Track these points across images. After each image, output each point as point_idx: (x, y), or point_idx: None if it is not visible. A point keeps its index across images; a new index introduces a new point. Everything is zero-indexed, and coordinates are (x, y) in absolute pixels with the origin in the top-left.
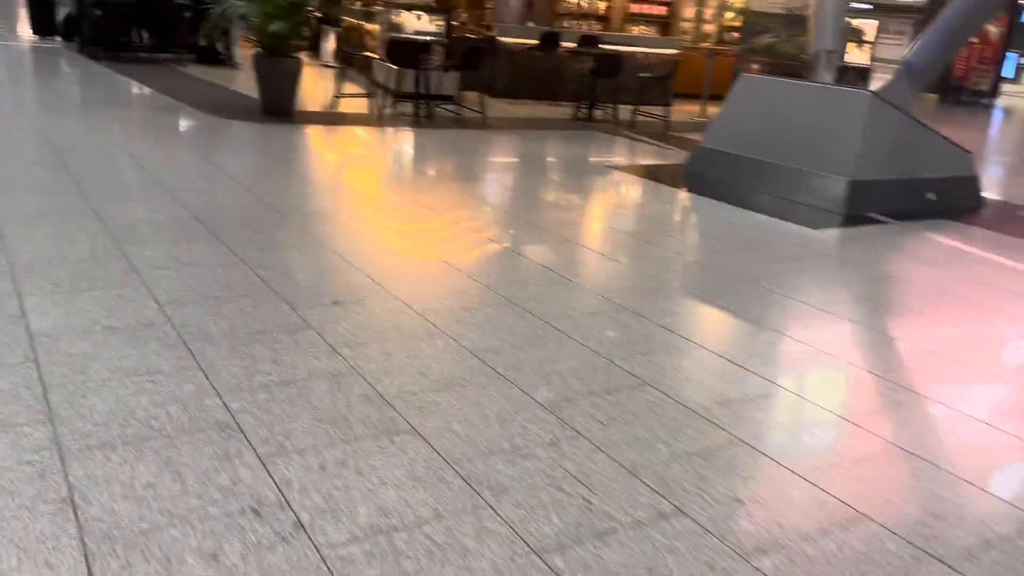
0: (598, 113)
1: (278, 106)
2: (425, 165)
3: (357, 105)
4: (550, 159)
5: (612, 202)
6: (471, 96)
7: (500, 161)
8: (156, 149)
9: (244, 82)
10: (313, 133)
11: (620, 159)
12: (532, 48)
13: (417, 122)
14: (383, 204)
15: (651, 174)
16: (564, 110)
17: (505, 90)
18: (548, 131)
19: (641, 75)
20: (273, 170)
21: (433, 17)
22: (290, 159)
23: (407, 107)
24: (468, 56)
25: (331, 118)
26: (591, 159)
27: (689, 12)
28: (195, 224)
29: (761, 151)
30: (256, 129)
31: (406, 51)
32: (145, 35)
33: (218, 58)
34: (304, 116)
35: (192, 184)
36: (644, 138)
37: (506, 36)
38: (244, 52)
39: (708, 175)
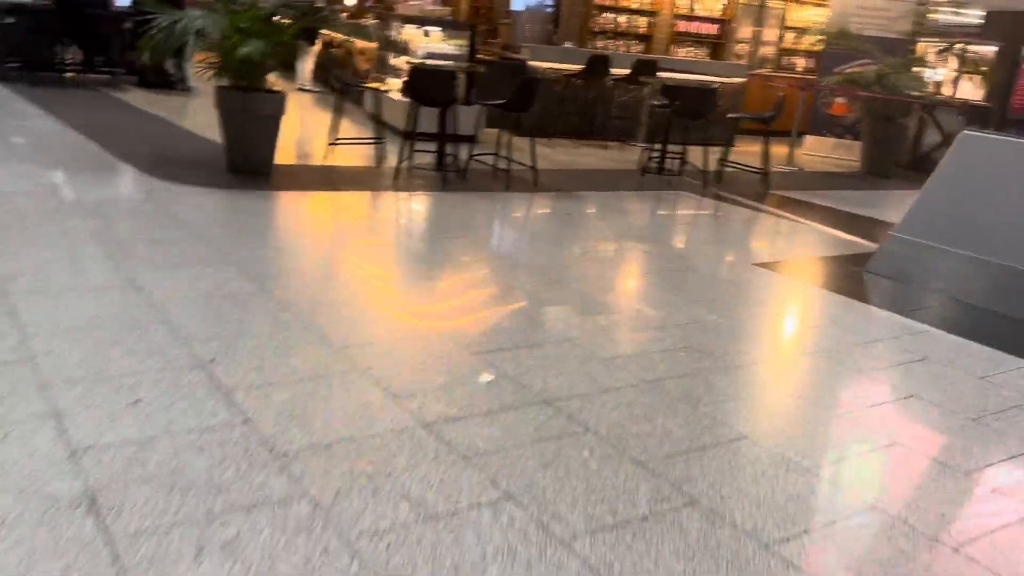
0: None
1: (249, 162)
2: (495, 279)
3: (357, 154)
4: (666, 253)
5: (828, 358)
6: (490, 135)
7: (607, 263)
8: (50, 263)
9: (200, 114)
10: (304, 209)
11: (758, 245)
12: (573, 75)
13: (445, 181)
14: (471, 395)
15: (831, 282)
16: (616, 155)
17: (536, 127)
18: (620, 192)
19: (732, 115)
20: (249, 311)
21: (451, 35)
22: (272, 275)
23: (424, 154)
24: (522, 91)
25: (325, 177)
26: (719, 249)
27: (745, 32)
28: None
29: (1014, 253)
30: (217, 203)
31: (433, 83)
32: (73, 51)
33: (166, 80)
34: (286, 175)
35: (95, 359)
36: (752, 203)
37: (539, 60)
38: (200, 71)
39: (919, 283)
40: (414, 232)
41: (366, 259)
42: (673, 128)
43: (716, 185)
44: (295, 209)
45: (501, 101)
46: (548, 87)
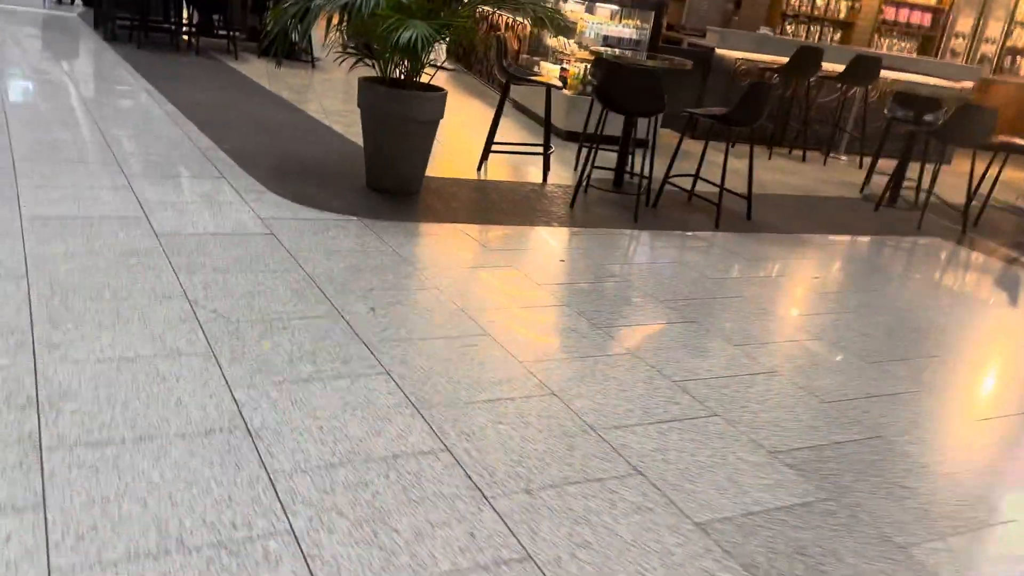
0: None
1: (395, 178)
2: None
3: (515, 166)
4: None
5: None
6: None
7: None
8: (112, 371)
9: (329, 97)
10: (470, 258)
11: None
12: (772, 69)
13: (637, 213)
14: None
15: None
16: (822, 172)
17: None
18: (856, 237)
19: (1005, 139)
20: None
21: (629, 15)
22: (444, 403)
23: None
24: (750, 100)
25: (485, 200)
26: None
27: (964, 24)
28: None
29: None
30: (356, 245)
31: (635, 86)
32: (189, 10)
33: (290, 50)
34: (436, 196)
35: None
36: None
37: (727, 47)
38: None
39: None
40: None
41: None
42: (912, 148)
43: (974, 228)
44: (457, 260)
45: (719, 111)
46: (732, 80)
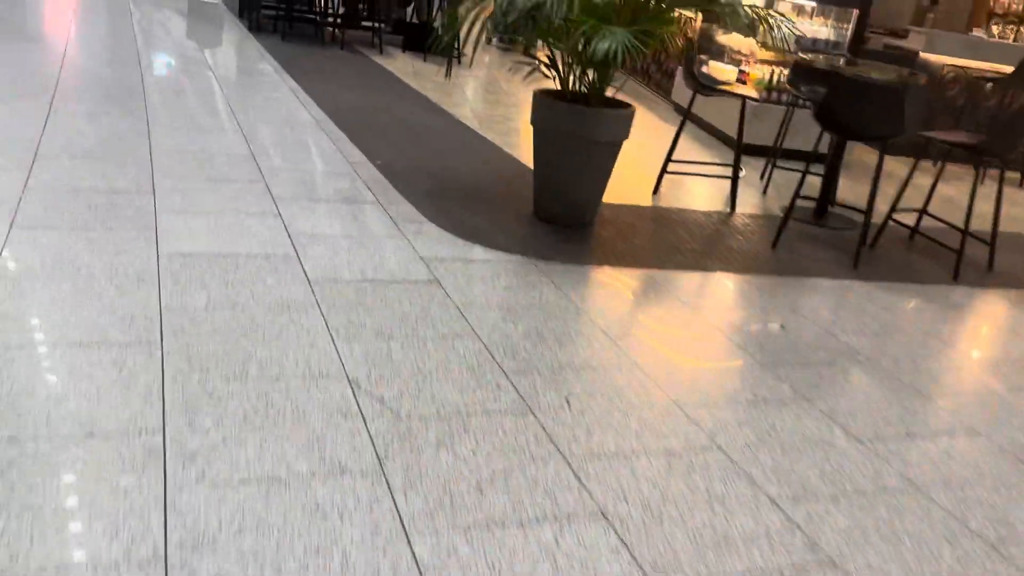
0: None
1: (568, 208)
2: None
3: (695, 189)
4: None
5: None
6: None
7: None
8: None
9: (480, 99)
10: (668, 311)
11: None
12: (990, 79)
13: (858, 257)
14: None
15: None
16: None
17: (899, 143)
18: None
19: None
20: None
21: (826, 13)
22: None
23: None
24: (1007, 123)
25: (668, 233)
26: None
27: None
28: None
29: None
30: (532, 295)
31: (869, 106)
32: (335, 1)
33: (434, 43)
34: (612, 227)
35: None
36: None
37: (934, 52)
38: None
39: None
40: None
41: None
42: None
43: None
44: (653, 322)
45: (970, 139)
46: (939, 90)
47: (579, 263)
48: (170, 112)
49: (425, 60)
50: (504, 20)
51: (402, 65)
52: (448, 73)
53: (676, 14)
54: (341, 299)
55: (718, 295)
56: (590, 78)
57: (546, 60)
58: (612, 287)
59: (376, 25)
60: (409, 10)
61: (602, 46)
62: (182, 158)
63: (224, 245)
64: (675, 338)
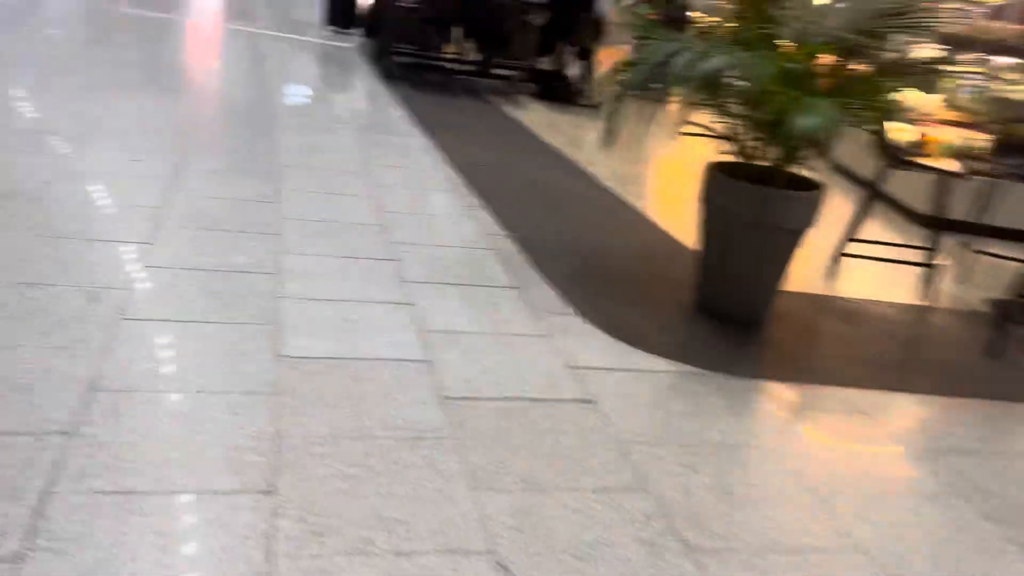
0: None
1: (737, 302)
2: None
3: (884, 275)
4: None
5: None
6: None
7: None
8: None
9: (616, 154)
10: (886, 462)
11: None
12: None
13: None
14: None
15: None
16: None
17: None
18: None
19: None
20: None
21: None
22: None
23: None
24: None
25: (855, 336)
26: None
27: None
28: None
29: None
30: (706, 426)
31: None
32: (469, 46)
33: (566, 90)
34: (787, 324)
35: None
36: None
37: None
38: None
39: None
40: None
41: None
42: None
43: None
44: (872, 479)
45: None
46: None
47: (758, 376)
48: (302, 173)
49: (560, 112)
50: (680, 84)
51: (536, 117)
52: (607, 142)
53: (895, 85)
54: (481, 427)
55: (939, 430)
56: (775, 153)
57: (707, 126)
58: (806, 416)
59: (509, 74)
60: (544, 59)
61: (804, 123)
62: (310, 230)
63: (350, 346)
64: (903, 507)
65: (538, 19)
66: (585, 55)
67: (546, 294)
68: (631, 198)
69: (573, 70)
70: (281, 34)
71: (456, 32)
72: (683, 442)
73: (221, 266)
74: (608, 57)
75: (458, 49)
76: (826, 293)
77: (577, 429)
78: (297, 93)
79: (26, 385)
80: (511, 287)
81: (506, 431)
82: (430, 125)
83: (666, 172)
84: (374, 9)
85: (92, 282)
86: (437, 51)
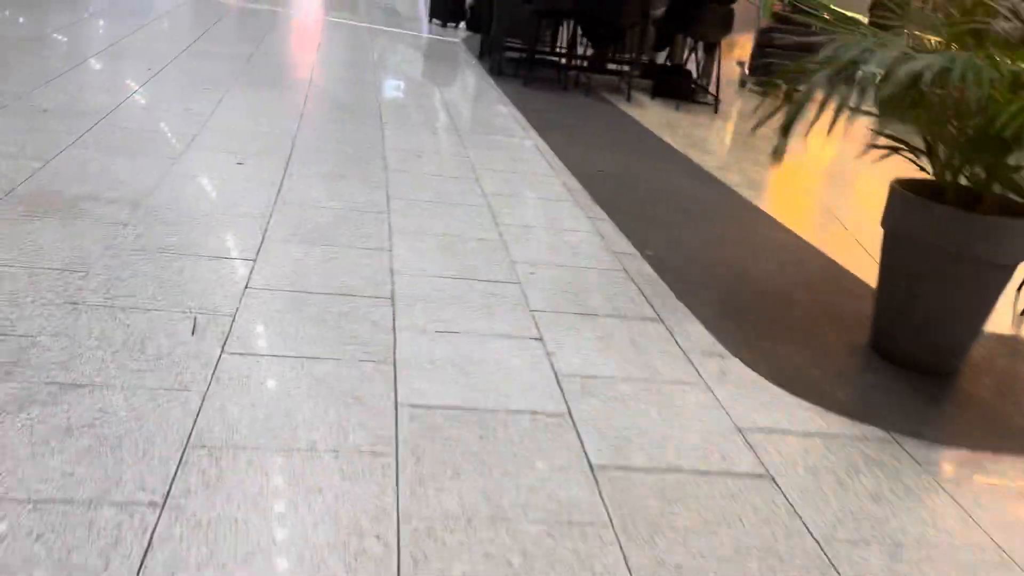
0: None
1: (927, 350)
2: None
3: None
4: None
5: None
6: None
7: None
8: None
9: (747, 157)
10: None
11: None
12: None
13: None
14: None
15: None
16: None
17: None
18: None
19: None
20: None
21: None
22: None
23: None
24: None
25: None
26: None
27: None
28: None
29: None
30: (914, 520)
31: None
32: (583, 41)
33: (684, 89)
34: (989, 382)
35: None
36: None
37: None
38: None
39: None
40: None
41: None
42: None
43: None
44: None
45: None
46: None
47: (959, 444)
48: (411, 179)
49: (677, 109)
50: (873, 94)
51: (654, 116)
52: (778, 155)
53: None
54: (640, 507)
55: None
56: (982, 172)
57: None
58: None
59: (624, 69)
60: (662, 53)
61: None
62: (424, 245)
63: (479, 392)
64: None
65: (658, 10)
66: (711, 49)
67: (694, 330)
68: (769, 207)
69: (692, 64)
70: (385, 28)
71: (567, 25)
72: (890, 537)
73: (331, 288)
74: (732, 49)
75: (569, 43)
76: (1010, 332)
77: (759, 517)
78: (401, 90)
79: (114, 439)
80: (652, 319)
81: (669, 515)
82: (542, 125)
83: (802, 175)
84: (480, 2)
85: (190, 306)
86: (546, 45)
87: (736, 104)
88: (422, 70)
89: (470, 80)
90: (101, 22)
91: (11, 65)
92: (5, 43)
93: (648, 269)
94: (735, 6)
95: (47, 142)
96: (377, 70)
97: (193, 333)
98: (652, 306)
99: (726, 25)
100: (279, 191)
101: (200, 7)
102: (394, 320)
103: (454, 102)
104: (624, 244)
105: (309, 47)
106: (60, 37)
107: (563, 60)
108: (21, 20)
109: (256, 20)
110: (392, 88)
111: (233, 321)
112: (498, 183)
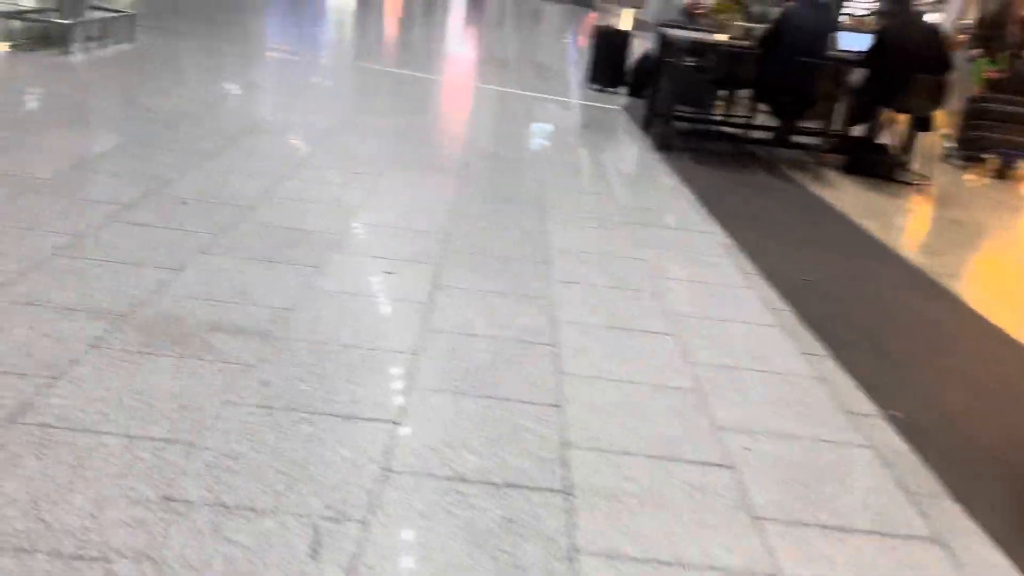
0: None
1: None
2: None
3: None
4: None
5: None
6: None
7: None
8: None
9: (978, 258)
10: None
11: None
12: None
13: None
14: None
15: None
16: None
17: None
18: None
19: None
20: None
21: None
22: None
23: None
24: None
25: None
26: None
27: None
28: None
29: None
30: None
31: None
32: (756, 107)
33: (883, 166)
34: None
35: None
36: None
37: None
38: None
39: None
40: None
41: None
42: None
43: None
44: None
45: None
46: None
47: None
48: (580, 294)
49: (877, 191)
50: None
51: (850, 199)
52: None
53: None
54: None
55: None
56: None
57: None
58: None
59: (812, 143)
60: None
61: None
62: (602, 398)
63: None
64: None
65: (856, 79)
66: (924, 125)
67: (990, 557)
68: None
69: (890, 138)
70: (539, 95)
71: (743, 93)
72: None
73: (490, 472)
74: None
75: (745, 112)
76: None
77: None
78: (562, 171)
79: None
80: (924, 539)
81: None
82: (725, 213)
83: None
84: (642, 67)
85: (312, 508)
86: (717, 113)
87: (943, 183)
88: (583, 145)
89: (636, 156)
90: (255, 93)
91: (158, 145)
92: (155, 118)
93: (900, 443)
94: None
95: (179, 246)
96: (532, 146)
97: (313, 554)
98: (920, 512)
99: (939, 98)
100: (429, 314)
101: (352, 76)
102: (572, 535)
103: (619, 185)
104: (859, 399)
105: (461, 120)
106: (212, 110)
107: (740, 132)
108: (174, 92)
109: (407, 89)
110: (551, 168)
111: (364, 532)
112: (683, 299)
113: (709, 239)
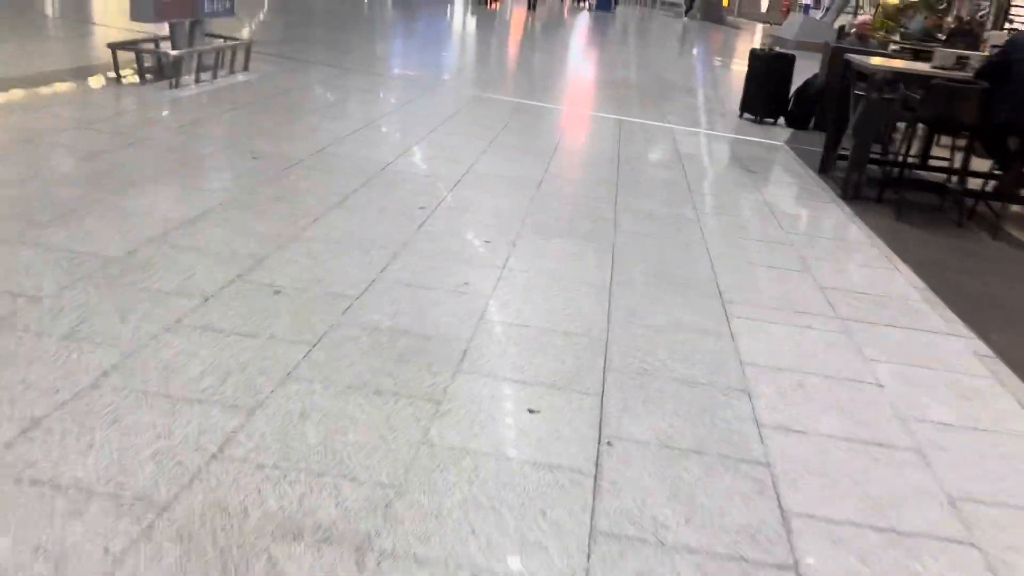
0: None
1: None
2: None
3: None
4: None
5: None
6: None
7: None
8: None
9: None
10: None
11: None
12: None
13: None
14: None
15: None
16: None
17: None
18: None
19: None
20: None
21: None
22: None
23: None
24: None
25: None
26: None
27: None
28: None
29: None
30: None
31: None
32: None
33: None
34: None
35: None
36: None
37: None
38: None
39: None
40: None
41: None
42: None
43: None
44: None
45: None
46: None
47: None
48: (800, 449)
49: None
50: None
51: None
52: None
53: None
54: None
55: None
56: None
57: None
58: None
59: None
60: None
61: None
62: None
63: None
64: None
65: None
66: None
67: None
68: None
69: None
70: (687, 128)
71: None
72: None
73: None
74: None
75: (964, 159)
76: None
77: None
78: (732, 234)
79: None
80: None
81: None
82: (960, 300)
83: None
84: (806, 95)
85: None
86: (914, 155)
87: None
88: (752, 195)
89: (822, 211)
90: (370, 134)
91: (254, 207)
92: (257, 170)
93: None
94: None
95: (258, 368)
96: (696, 200)
97: None
98: None
99: None
100: (594, 493)
101: (479, 108)
102: None
103: (814, 256)
104: None
105: (606, 163)
106: (322, 160)
107: (955, 184)
108: (283, 135)
109: (540, 123)
110: (720, 231)
111: None
112: (956, 461)
113: (958, 346)
